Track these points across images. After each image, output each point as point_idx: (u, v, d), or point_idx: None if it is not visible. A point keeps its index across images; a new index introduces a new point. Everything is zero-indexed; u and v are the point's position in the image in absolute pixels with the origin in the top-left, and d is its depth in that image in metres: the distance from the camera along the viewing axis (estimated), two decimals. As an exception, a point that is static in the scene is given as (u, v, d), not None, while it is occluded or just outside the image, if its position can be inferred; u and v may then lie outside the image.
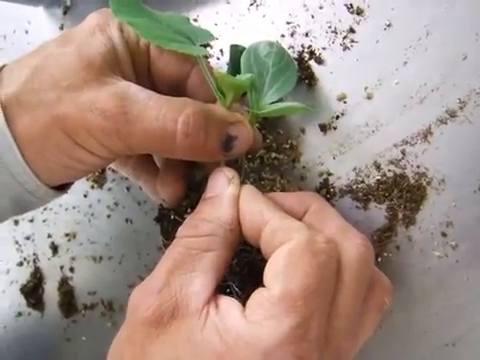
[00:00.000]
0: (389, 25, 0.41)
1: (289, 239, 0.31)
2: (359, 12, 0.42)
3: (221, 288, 0.44)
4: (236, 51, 0.43)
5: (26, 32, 0.57)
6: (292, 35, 0.45)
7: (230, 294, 0.43)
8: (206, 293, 0.31)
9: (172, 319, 0.30)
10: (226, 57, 0.46)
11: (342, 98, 0.43)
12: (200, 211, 0.35)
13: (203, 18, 0.48)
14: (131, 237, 0.52)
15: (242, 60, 0.42)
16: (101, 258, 0.54)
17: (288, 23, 0.45)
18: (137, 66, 0.39)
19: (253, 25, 0.46)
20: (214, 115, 0.35)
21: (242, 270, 0.41)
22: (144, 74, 0.40)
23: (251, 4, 0.46)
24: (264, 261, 0.42)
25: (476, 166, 0.39)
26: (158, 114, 0.34)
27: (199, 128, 0.34)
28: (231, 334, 0.29)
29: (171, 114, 0.34)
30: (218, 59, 0.48)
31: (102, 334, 0.53)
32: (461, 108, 0.39)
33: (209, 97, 0.39)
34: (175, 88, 0.40)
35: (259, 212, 0.34)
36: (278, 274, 0.30)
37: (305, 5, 0.44)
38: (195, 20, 0.49)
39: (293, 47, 0.45)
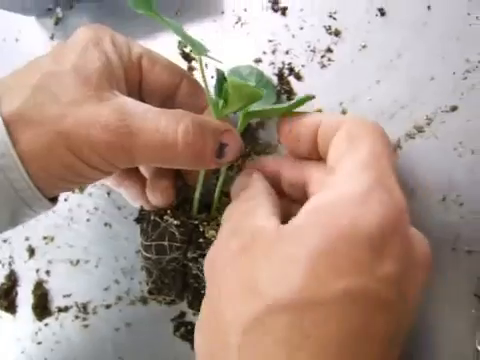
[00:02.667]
0: (364, 46, 0.44)
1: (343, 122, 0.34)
2: (337, 33, 0.45)
3: (197, 289, 0.45)
4: (219, 74, 0.46)
5: (16, 40, 0.59)
6: (273, 52, 0.48)
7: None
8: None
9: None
10: (210, 71, 0.49)
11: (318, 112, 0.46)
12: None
13: (189, 33, 0.51)
14: (109, 241, 0.53)
15: (229, 79, 0.44)
16: (78, 261, 0.54)
17: (270, 41, 0.48)
18: (129, 80, 0.40)
19: (237, 42, 0.49)
20: (208, 124, 0.37)
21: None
22: (135, 87, 0.41)
23: (236, 22, 0.49)
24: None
25: (441, 178, 0.41)
26: (158, 126, 0.35)
27: (198, 137, 0.36)
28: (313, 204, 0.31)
29: (171, 125, 0.35)
30: (203, 72, 0.50)
31: (74, 337, 0.54)
32: (428, 124, 0.42)
33: (198, 108, 0.42)
34: (164, 100, 0.42)
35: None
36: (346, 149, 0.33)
37: (286, 25, 0.47)
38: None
39: (274, 63, 0.47)
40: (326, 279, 0.27)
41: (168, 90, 0.42)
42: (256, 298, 0.28)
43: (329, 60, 0.46)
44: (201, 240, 0.44)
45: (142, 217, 0.46)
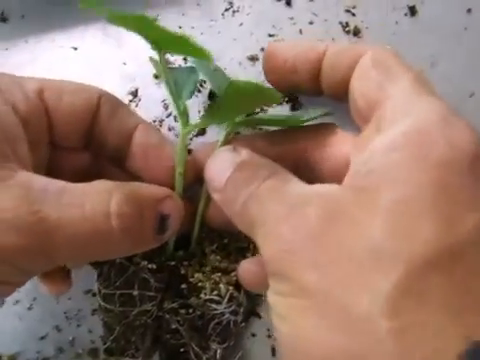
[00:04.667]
0: (389, 51, 0.38)
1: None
2: (355, 32, 0.38)
3: (174, 346, 0.36)
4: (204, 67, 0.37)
5: None
6: (274, 50, 0.39)
7: (186, 354, 0.36)
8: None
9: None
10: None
11: (330, 127, 0.38)
12: None
13: (165, 18, 0.41)
14: (48, 276, 0.42)
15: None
16: (3, 302, 0.43)
17: (270, 36, 0.40)
18: (32, 128, 0.31)
19: (226, 33, 0.40)
20: (144, 194, 0.29)
21: (206, 325, 0.35)
22: (42, 133, 0.32)
23: (226, 9, 0.40)
24: (233, 314, 0.36)
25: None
26: (82, 212, 0.27)
27: (136, 217, 0.28)
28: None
29: (99, 207, 0.27)
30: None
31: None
32: (466, 148, 0.36)
33: (122, 124, 0.34)
34: (84, 131, 0.34)
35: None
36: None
37: (292, 18, 0.39)
38: (154, 20, 0.41)
39: (275, 64, 0.39)
40: (454, 218, 0.23)
41: (86, 117, 0.33)
42: (389, 267, 0.23)
43: (345, 64, 0.38)
44: (183, 286, 0.36)
45: None
